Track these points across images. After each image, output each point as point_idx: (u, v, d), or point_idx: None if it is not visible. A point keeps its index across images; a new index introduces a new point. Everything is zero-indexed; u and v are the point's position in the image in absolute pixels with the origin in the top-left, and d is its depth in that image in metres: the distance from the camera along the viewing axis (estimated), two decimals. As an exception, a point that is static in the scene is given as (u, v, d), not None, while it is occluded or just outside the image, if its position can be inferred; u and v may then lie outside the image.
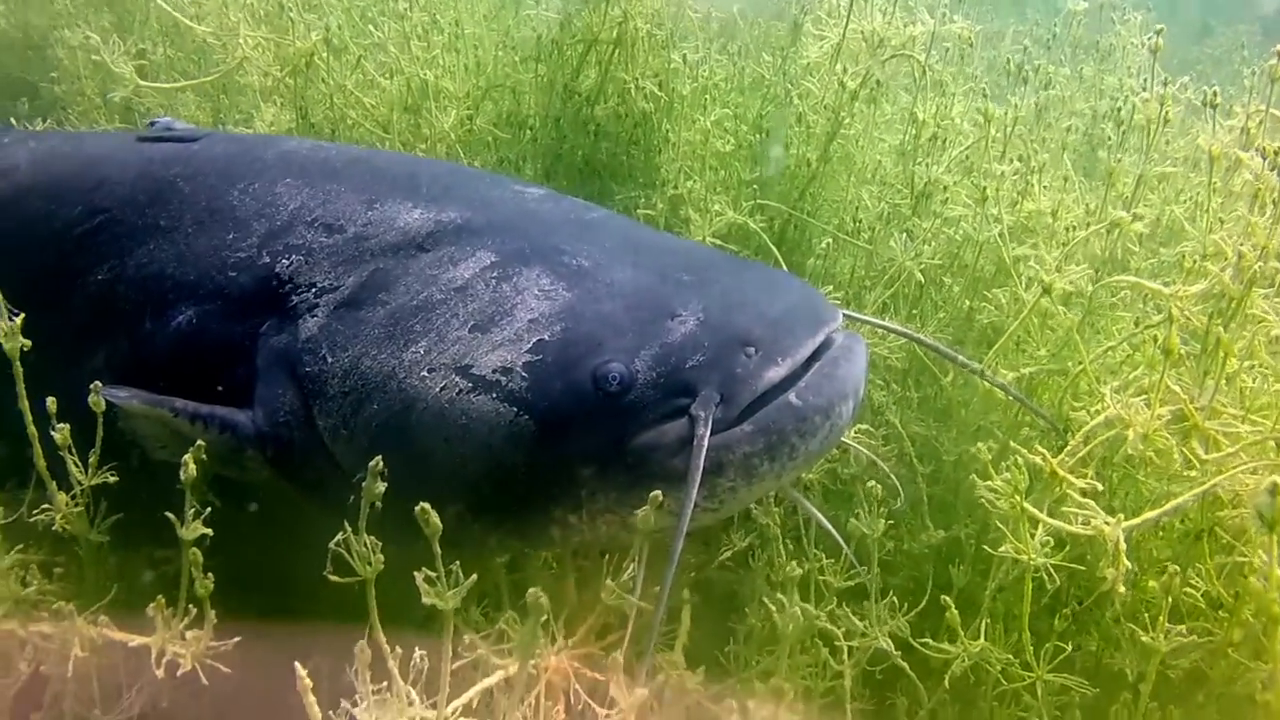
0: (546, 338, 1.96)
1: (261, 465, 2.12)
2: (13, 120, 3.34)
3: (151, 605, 1.93)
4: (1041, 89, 3.16)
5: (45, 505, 2.10)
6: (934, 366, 2.82)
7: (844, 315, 2.11)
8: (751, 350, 1.90)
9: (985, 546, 2.51)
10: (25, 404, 1.99)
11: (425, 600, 1.50)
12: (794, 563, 2.35)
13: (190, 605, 1.94)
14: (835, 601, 2.25)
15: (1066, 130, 3.04)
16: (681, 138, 3.05)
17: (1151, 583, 2.33)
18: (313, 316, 2.14)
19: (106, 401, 2.07)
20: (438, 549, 1.54)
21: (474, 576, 1.55)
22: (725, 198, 3.05)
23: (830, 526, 2.27)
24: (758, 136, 3.25)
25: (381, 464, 1.62)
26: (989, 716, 2.19)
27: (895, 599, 2.33)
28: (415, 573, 1.53)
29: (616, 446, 1.89)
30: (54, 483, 2.08)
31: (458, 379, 1.96)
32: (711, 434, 1.85)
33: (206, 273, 2.27)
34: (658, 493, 1.69)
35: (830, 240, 2.97)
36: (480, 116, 3.06)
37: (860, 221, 3.22)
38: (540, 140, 3.10)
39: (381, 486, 1.61)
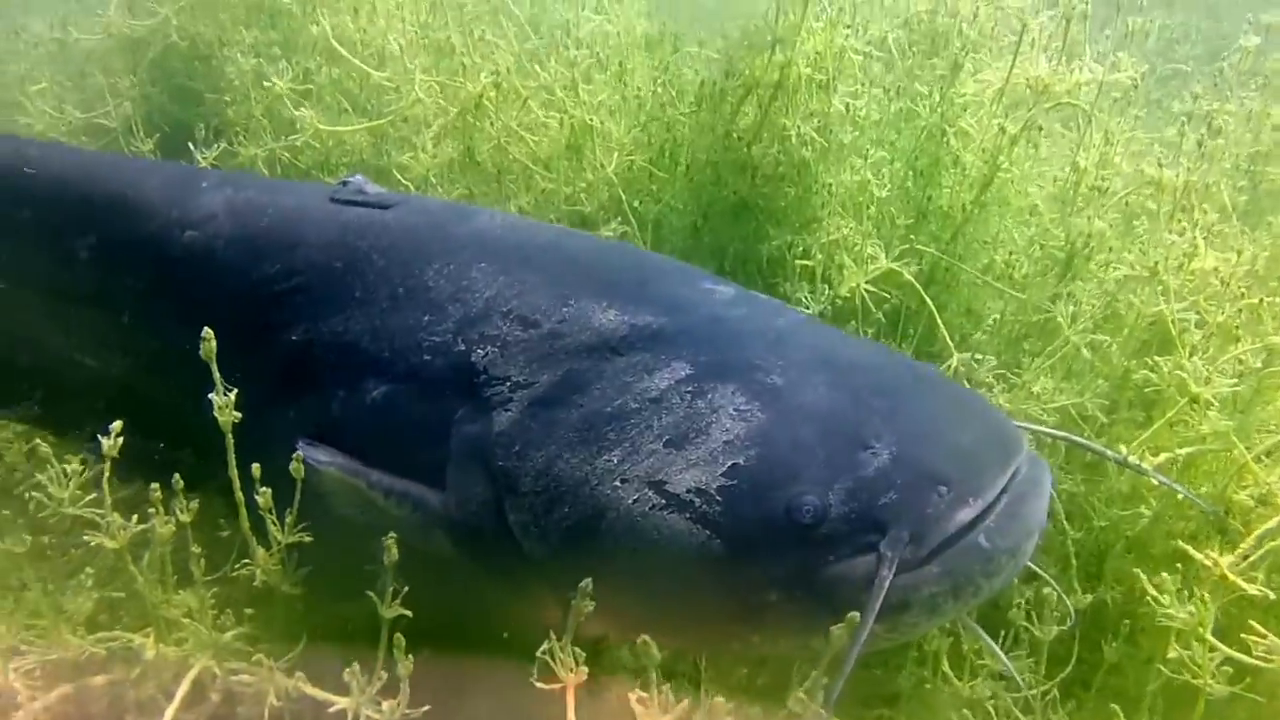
0: (742, 462, 1.98)
1: (448, 545, 2.22)
2: (191, 145, 3.47)
3: (347, 671, 2.07)
4: (1210, 138, 3.08)
5: (245, 559, 2.26)
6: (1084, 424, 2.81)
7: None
8: (944, 490, 1.92)
9: (1132, 619, 2.56)
10: (235, 471, 2.13)
11: None
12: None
13: (383, 672, 2.08)
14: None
15: (1237, 189, 2.95)
16: (839, 181, 3.06)
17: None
18: (506, 411, 2.19)
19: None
20: (654, 675, 1.63)
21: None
22: (878, 240, 3.07)
23: (995, 647, 2.31)
24: (910, 176, 3.24)
25: (591, 585, 1.74)
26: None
27: (1043, 666, 2.40)
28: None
29: (804, 576, 1.93)
30: (254, 539, 2.23)
31: (651, 494, 2.01)
32: (899, 573, 1.88)
33: (402, 352, 2.33)
34: (840, 630, 1.77)
35: (996, 314, 2.95)
36: (639, 155, 3.11)
37: (1013, 268, 3.22)
38: (696, 181, 3.13)
39: (590, 605, 1.71)
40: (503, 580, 2.21)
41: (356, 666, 2.07)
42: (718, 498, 1.96)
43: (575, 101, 2.99)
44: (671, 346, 2.18)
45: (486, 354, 2.26)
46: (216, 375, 2.09)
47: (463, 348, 2.28)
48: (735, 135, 3.08)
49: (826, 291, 2.96)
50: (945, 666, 2.42)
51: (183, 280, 2.65)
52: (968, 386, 2.32)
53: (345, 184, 2.67)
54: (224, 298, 2.57)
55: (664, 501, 1.99)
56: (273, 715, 2.25)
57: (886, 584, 1.85)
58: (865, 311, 2.99)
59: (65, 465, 2.31)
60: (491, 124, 3.04)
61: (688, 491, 1.98)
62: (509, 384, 2.22)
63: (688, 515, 1.97)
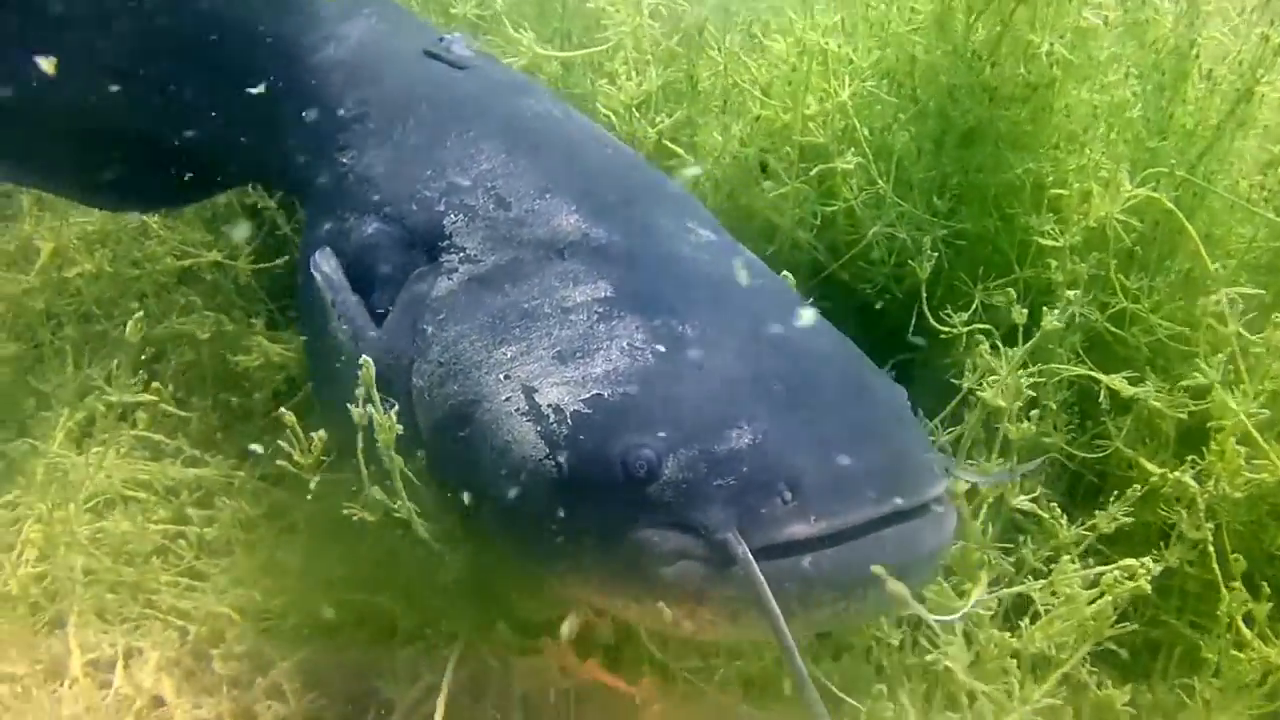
0: (606, 395, 1.93)
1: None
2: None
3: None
4: None
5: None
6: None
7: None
8: (788, 495, 1.77)
9: None
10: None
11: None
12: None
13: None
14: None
15: None
16: (1089, 101, 2.82)
17: None
18: (449, 279, 2.25)
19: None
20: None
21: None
22: (1125, 164, 2.85)
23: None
24: (1155, 93, 2.99)
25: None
26: None
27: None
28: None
29: (616, 528, 1.85)
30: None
31: (520, 397, 1.99)
32: (709, 563, 1.77)
33: (399, 196, 2.45)
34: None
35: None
36: (870, 80, 2.90)
37: (1268, 190, 2.98)
38: (930, 104, 2.91)
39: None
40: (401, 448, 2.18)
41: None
42: (569, 421, 1.93)
43: (809, 24, 2.77)
44: (607, 265, 2.17)
45: (456, 221, 2.34)
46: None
47: (442, 209, 2.37)
48: (973, 54, 2.85)
49: (1078, 221, 2.76)
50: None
51: (300, 85, 2.86)
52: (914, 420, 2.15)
53: (442, 39, 2.83)
54: (318, 113, 2.77)
55: (527, 408, 1.98)
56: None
57: (753, 563, 1.73)
58: (1116, 240, 2.78)
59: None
60: (718, 50, 2.86)
61: (548, 406, 1.96)
62: (461, 255, 2.28)
63: (538, 428, 1.94)
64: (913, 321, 2.88)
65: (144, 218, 3.94)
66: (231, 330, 3.73)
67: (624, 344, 2.00)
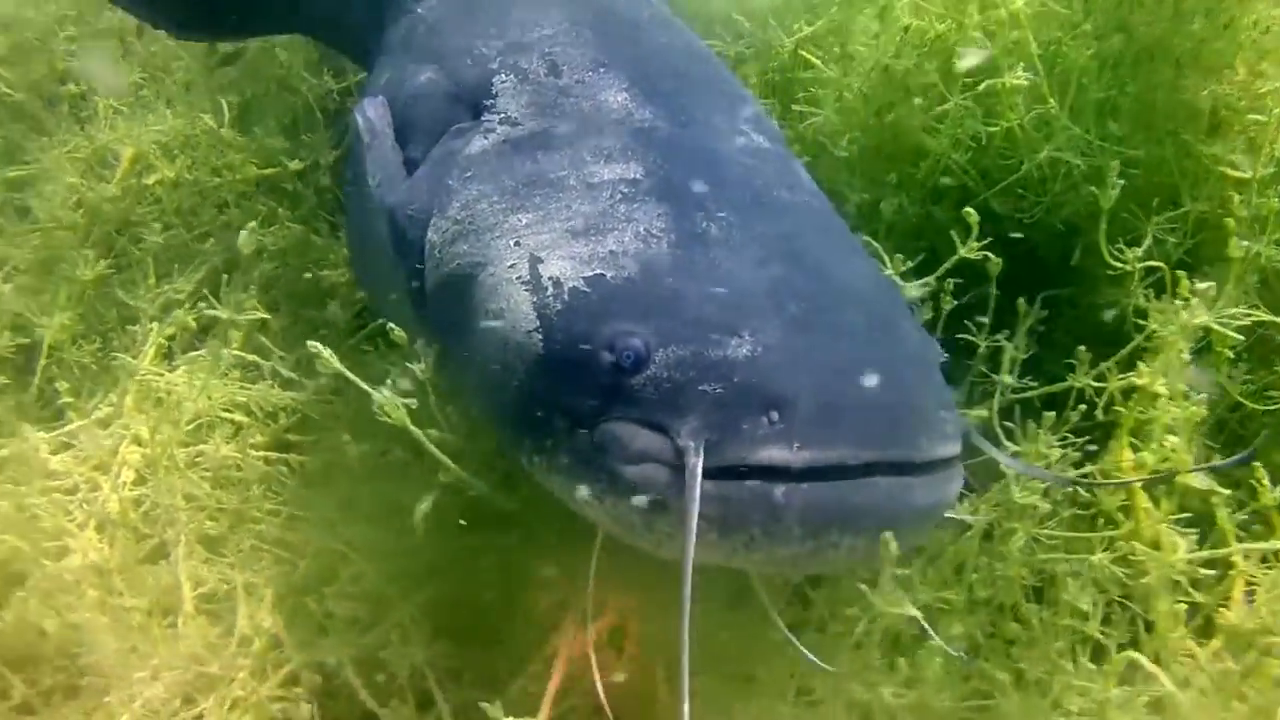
0: (608, 276, 1.82)
1: (383, 232, 2.22)
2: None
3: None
4: None
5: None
6: None
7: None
8: (774, 416, 1.61)
9: None
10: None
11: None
12: None
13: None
14: None
15: None
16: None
17: None
18: (485, 139, 2.16)
19: None
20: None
21: None
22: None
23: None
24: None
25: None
26: None
27: None
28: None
29: (592, 417, 1.74)
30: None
31: (525, 265, 1.90)
32: (676, 471, 1.62)
33: (458, 49, 2.38)
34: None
35: None
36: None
37: None
38: (1101, 14, 2.64)
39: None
40: (409, 302, 2.18)
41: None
42: (565, 297, 1.83)
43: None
44: (644, 148, 2.06)
45: (506, 81, 2.26)
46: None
47: (494, 67, 2.30)
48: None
49: (1269, 150, 2.51)
50: None
51: None
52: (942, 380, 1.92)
53: None
54: None
55: (529, 277, 1.89)
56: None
57: (699, 475, 1.59)
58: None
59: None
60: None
61: (549, 278, 1.86)
62: (503, 116, 2.20)
63: (534, 299, 1.85)
64: (1075, 254, 2.66)
65: (218, 128, 3.74)
66: (315, 243, 3.55)
67: (640, 229, 1.88)
